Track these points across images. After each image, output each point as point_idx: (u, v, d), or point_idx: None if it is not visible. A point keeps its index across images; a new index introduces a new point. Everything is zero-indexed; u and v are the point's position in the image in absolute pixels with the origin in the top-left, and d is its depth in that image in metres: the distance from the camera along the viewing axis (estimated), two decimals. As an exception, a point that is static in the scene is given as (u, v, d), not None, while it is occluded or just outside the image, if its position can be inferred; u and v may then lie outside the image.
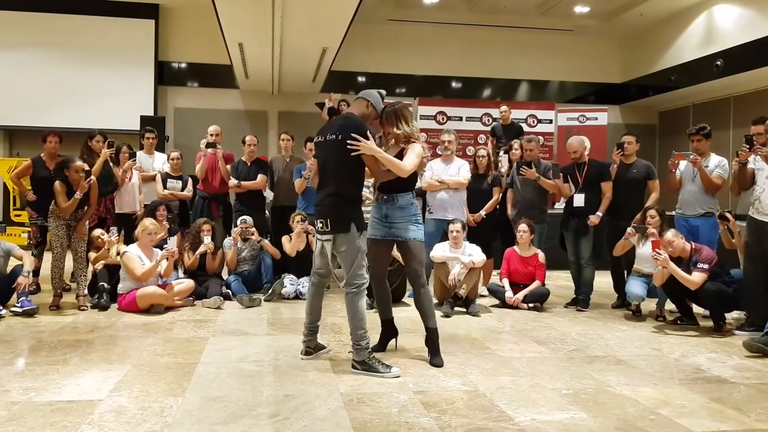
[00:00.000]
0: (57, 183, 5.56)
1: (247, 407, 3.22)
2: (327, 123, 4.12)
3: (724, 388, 3.71)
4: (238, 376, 3.75)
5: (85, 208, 5.70)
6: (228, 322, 5.27)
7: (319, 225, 3.92)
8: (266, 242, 6.76)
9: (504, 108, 9.46)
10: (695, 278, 5.03)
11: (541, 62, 12.82)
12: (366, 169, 3.92)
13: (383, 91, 4.18)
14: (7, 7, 11.19)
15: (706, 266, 5.04)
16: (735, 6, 10.26)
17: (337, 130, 3.88)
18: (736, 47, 10.07)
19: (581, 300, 6.18)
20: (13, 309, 5.28)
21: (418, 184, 6.77)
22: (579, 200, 6.17)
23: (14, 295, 5.40)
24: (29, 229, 7.59)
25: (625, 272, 6.20)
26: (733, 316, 5.54)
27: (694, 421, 3.14)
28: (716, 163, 5.86)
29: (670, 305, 5.65)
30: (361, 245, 3.90)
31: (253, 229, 6.62)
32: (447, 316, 5.61)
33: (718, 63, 10.40)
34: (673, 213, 6.13)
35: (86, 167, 5.65)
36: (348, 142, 3.76)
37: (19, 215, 10.14)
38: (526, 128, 11.46)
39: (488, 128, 11.59)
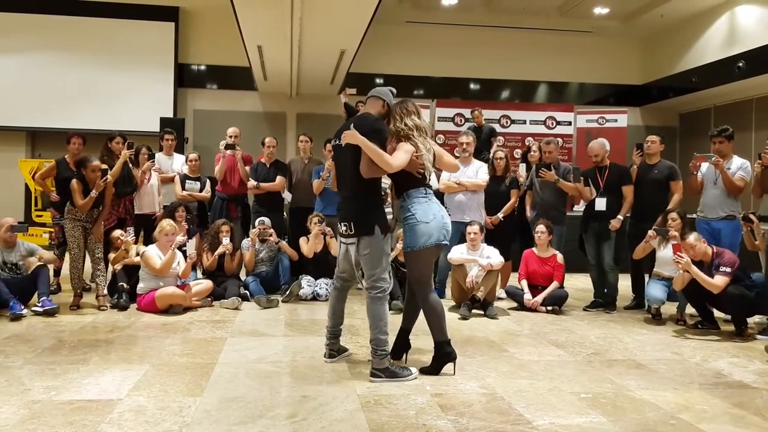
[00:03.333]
0: (74, 181, 5.64)
1: (264, 408, 3.23)
2: (341, 127, 4.06)
3: (746, 394, 3.66)
4: (255, 376, 3.77)
5: (100, 208, 5.77)
6: (246, 322, 5.29)
7: (343, 228, 3.87)
8: (284, 243, 6.78)
9: (477, 112, 9.62)
10: (718, 282, 4.96)
11: (560, 64, 12.75)
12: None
13: (393, 90, 4.12)
14: (29, 11, 11.37)
15: (728, 270, 4.97)
16: (758, 7, 10.13)
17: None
18: (758, 48, 9.94)
19: (607, 303, 6.16)
20: (34, 308, 5.35)
21: (435, 186, 6.78)
22: (600, 204, 6.13)
23: (36, 295, 5.48)
24: (51, 229, 7.69)
25: (646, 276, 6.14)
26: (755, 320, 5.46)
27: (715, 427, 3.10)
28: (738, 165, 5.78)
29: (690, 309, 5.58)
30: (385, 248, 3.83)
31: (272, 230, 6.65)
32: (465, 318, 5.59)
33: (740, 64, 10.26)
34: (695, 216, 6.06)
35: (102, 166, 5.72)
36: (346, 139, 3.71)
37: (41, 216, 10.27)
38: (544, 130, 11.44)
39: (507, 130, 11.58)
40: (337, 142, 3.95)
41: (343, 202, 3.92)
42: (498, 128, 11.52)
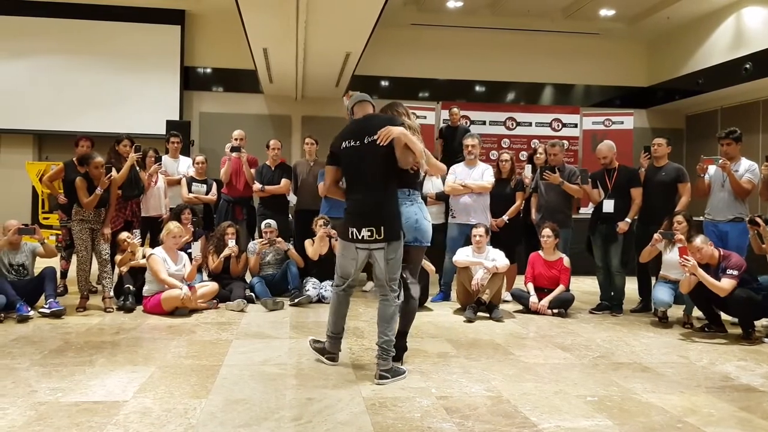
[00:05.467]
0: (78, 179, 5.65)
1: (269, 410, 3.23)
2: (352, 128, 3.95)
3: (753, 397, 3.63)
4: (261, 378, 3.77)
5: (107, 207, 5.79)
6: (251, 325, 5.30)
7: (367, 233, 3.72)
8: (293, 251, 6.72)
9: (455, 110, 9.27)
10: (725, 285, 4.93)
11: (565, 66, 12.72)
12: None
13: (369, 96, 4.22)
14: (36, 14, 11.43)
15: (735, 272, 4.95)
16: (765, 8, 10.09)
17: (375, 131, 3.70)
18: (765, 50, 9.90)
19: (614, 305, 6.14)
20: (41, 310, 5.37)
21: (434, 190, 6.77)
22: (608, 206, 6.11)
23: (42, 297, 5.50)
24: (58, 231, 7.72)
25: (653, 279, 6.12)
26: (762, 323, 5.43)
27: (721, 430, 3.09)
28: (746, 168, 5.76)
29: (697, 312, 5.56)
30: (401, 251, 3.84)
31: (280, 239, 6.62)
32: (470, 321, 5.57)
33: (747, 66, 10.23)
34: (702, 218, 6.03)
35: (104, 162, 5.74)
36: (375, 138, 3.67)
37: (48, 218, 10.31)
38: (550, 132, 11.40)
39: (512, 132, 11.54)
40: (353, 143, 3.84)
41: (363, 205, 3.79)
42: (503, 130, 11.52)
